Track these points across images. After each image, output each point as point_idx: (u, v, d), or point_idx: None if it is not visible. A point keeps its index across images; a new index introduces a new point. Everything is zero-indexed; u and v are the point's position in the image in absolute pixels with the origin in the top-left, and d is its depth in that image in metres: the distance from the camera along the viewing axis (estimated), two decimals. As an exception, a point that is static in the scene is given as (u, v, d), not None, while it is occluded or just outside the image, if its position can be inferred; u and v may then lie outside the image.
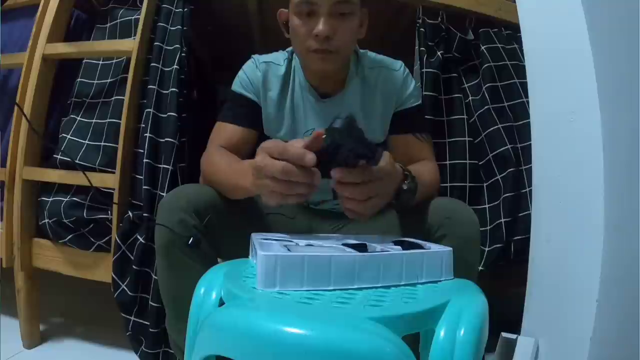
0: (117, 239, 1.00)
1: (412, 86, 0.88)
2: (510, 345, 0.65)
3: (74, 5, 1.18)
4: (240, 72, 0.87)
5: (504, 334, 0.67)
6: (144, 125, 1.04)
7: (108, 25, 1.16)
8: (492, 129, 1.07)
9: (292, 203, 0.57)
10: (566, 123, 0.61)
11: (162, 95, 1.06)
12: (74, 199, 1.04)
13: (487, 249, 1.02)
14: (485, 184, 1.08)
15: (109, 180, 1.02)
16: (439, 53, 1.10)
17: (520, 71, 1.11)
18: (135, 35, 1.08)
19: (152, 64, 1.07)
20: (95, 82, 1.13)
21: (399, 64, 0.89)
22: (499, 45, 1.13)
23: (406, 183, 0.67)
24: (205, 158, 0.80)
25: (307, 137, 0.55)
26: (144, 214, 0.99)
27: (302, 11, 0.74)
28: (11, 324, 1.15)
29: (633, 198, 0.55)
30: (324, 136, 0.53)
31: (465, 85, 1.13)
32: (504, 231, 1.02)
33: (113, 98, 1.09)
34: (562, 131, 0.63)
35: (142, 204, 1.00)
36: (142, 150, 1.03)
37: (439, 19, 1.12)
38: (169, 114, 1.05)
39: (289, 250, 0.51)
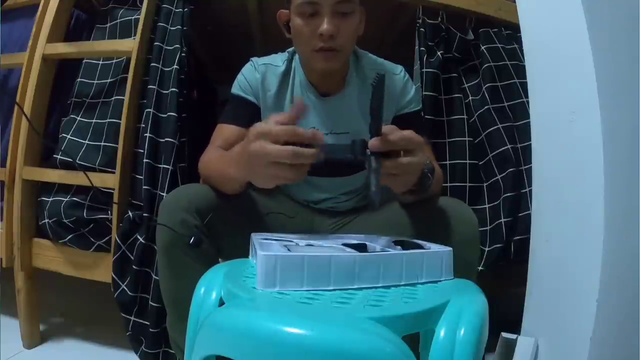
0: (117, 239, 1.00)
1: (412, 91, 0.89)
2: (510, 346, 0.65)
3: (74, 5, 1.18)
4: (239, 76, 0.88)
5: (503, 334, 0.67)
6: (144, 125, 1.04)
7: (108, 25, 1.16)
8: (492, 129, 1.07)
9: (291, 182, 0.57)
10: (566, 123, 0.61)
11: (162, 95, 1.06)
12: (74, 199, 1.04)
13: (487, 249, 1.02)
14: (485, 184, 1.08)
15: (109, 180, 1.02)
16: (439, 53, 1.10)
17: (520, 71, 1.11)
18: (135, 35, 1.08)
19: (152, 64, 1.07)
20: (95, 82, 1.13)
21: (399, 69, 0.90)
22: (499, 45, 1.13)
23: (426, 165, 0.67)
24: (201, 158, 0.81)
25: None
26: (144, 214, 0.99)
27: (304, 12, 0.75)
28: (11, 324, 1.15)
29: (633, 198, 0.55)
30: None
31: (465, 85, 1.13)
32: (504, 231, 1.02)
33: (113, 98, 1.09)
34: (562, 131, 0.63)
35: (142, 204, 1.00)
36: (142, 150, 1.03)
37: (439, 19, 1.12)
38: (169, 114, 1.05)
39: (288, 250, 0.51)
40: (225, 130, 0.84)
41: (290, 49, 0.89)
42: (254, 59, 0.89)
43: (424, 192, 0.69)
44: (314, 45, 0.76)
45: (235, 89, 0.87)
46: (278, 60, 0.88)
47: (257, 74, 0.85)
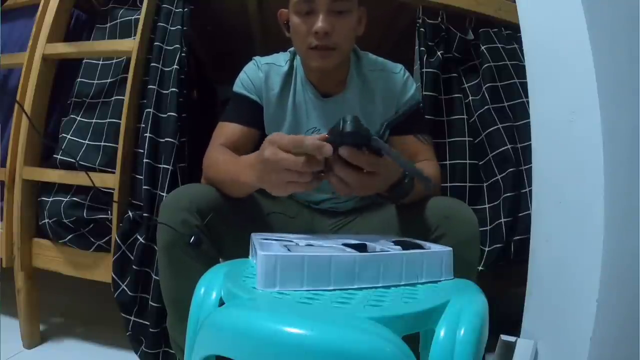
0: (117, 239, 1.00)
1: (412, 89, 0.89)
2: (510, 347, 0.65)
3: (74, 5, 1.18)
4: (241, 74, 0.87)
5: (502, 337, 0.67)
6: (144, 125, 1.04)
7: (108, 25, 1.16)
8: (492, 129, 1.07)
9: (305, 190, 0.59)
10: (566, 123, 0.61)
11: (162, 95, 1.06)
12: (74, 199, 1.04)
13: (487, 249, 1.02)
14: (485, 184, 1.08)
15: (109, 180, 1.02)
16: (439, 53, 1.10)
17: (520, 71, 1.11)
18: (135, 35, 1.08)
19: (152, 64, 1.07)
20: (95, 82, 1.13)
21: (399, 67, 0.90)
22: (499, 45, 1.13)
23: (405, 178, 0.67)
24: (206, 157, 0.81)
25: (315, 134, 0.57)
26: (144, 214, 0.99)
27: (301, 10, 0.76)
28: (11, 324, 1.15)
29: (633, 198, 0.55)
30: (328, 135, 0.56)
31: (465, 85, 1.13)
32: (504, 231, 1.02)
33: (113, 98, 1.09)
34: (562, 131, 0.63)
35: (142, 204, 1.00)
36: (142, 150, 1.03)
37: (439, 19, 1.12)
38: (169, 114, 1.05)
39: (289, 250, 0.51)
40: (227, 129, 0.84)
41: (292, 49, 0.89)
42: (257, 58, 0.89)
43: (397, 200, 0.69)
44: (309, 43, 0.76)
45: (238, 88, 0.87)
46: (281, 59, 0.88)
47: (260, 73, 0.85)
